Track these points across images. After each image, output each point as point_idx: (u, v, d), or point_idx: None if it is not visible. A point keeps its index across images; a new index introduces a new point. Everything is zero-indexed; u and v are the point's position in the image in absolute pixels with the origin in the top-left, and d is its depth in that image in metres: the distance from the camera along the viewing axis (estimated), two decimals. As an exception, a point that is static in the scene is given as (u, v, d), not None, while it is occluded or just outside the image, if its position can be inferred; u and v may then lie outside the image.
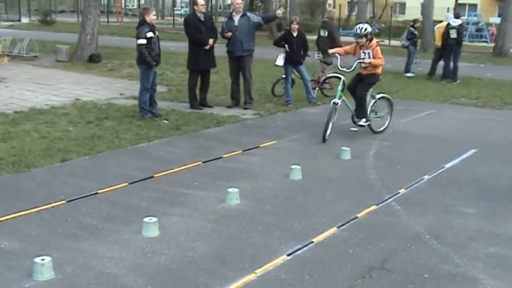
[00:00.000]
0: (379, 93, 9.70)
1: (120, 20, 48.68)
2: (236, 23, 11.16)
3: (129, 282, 4.19)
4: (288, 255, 4.74)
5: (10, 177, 6.53)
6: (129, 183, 6.43)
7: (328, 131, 8.74)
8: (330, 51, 9.44)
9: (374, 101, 9.36)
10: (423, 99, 13.47)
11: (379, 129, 9.53)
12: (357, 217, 5.66)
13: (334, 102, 8.87)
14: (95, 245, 4.80)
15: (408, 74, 17.73)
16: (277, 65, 12.04)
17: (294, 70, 12.05)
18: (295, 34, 11.64)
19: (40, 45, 20.00)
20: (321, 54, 12.97)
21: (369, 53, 8.99)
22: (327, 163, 7.68)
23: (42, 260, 4.21)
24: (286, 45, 11.64)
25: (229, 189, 6.01)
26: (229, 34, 11.14)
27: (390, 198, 6.25)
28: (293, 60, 11.76)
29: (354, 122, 9.34)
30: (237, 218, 5.56)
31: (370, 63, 8.92)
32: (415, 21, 18.42)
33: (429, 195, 6.40)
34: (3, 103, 10.93)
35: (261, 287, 4.20)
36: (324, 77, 13.02)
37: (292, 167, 6.99)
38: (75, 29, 26.81)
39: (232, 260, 4.62)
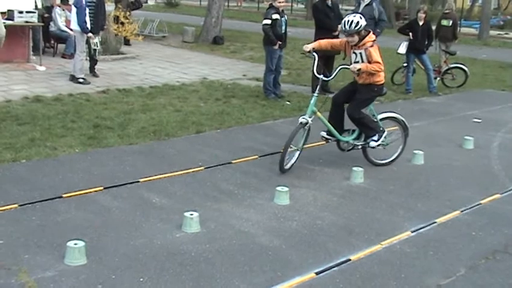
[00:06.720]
0: (384, 112, 7.17)
1: (239, 4, 49.83)
2: (360, 11, 11.25)
3: (265, 241, 4.60)
4: (412, 232, 4.96)
5: (153, 144, 7.18)
6: (259, 156, 6.88)
7: (293, 160, 6.45)
8: (308, 46, 6.70)
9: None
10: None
11: (380, 161, 6.92)
12: (480, 203, 5.75)
13: (301, 122, 6.38)
14: (233, 207, 5.26)
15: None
16: (399, 53, 12.07)
17: (416, 59, 12.03)
18: (421, 23, 11.61)
19: (167, 26, 21.08)
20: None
21: (360, 53, 6.42)
22: (450, 151, 7.74)
23: (191, 214, 4.71)
24: (411, 34, 11.63)
25: (355, 168, 6.28)
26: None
27: (514, 188, 6.26)
28: (416, 49, 11.72)
29: (352, 148, 6.80)
30: (362, 194, 5.84)
31: (359, 69, 6.33)
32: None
33: (556, 189, 6.32)
34: (139, 78, 11.79)
35: (387, 257, 4.46)
36: (446, 67, 12.98)
37: (415, 152, 7.14)
38: (197, 12, 27.92)
39: (359, 231, 4.92)
